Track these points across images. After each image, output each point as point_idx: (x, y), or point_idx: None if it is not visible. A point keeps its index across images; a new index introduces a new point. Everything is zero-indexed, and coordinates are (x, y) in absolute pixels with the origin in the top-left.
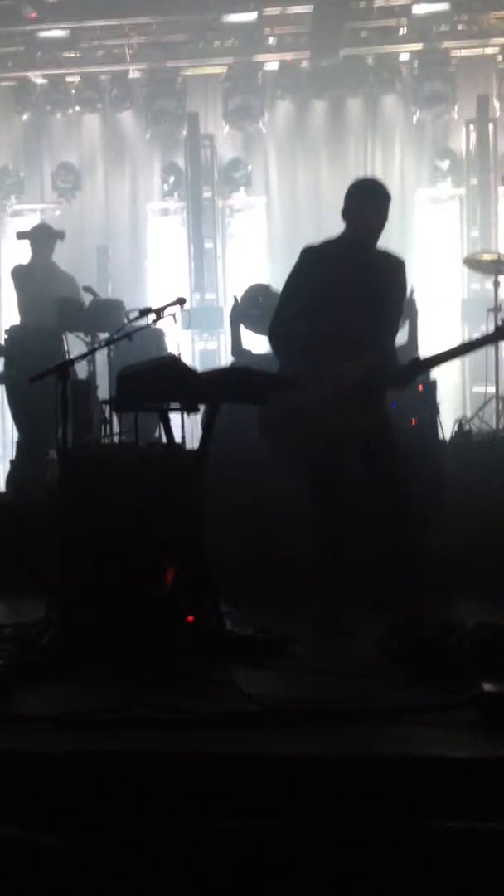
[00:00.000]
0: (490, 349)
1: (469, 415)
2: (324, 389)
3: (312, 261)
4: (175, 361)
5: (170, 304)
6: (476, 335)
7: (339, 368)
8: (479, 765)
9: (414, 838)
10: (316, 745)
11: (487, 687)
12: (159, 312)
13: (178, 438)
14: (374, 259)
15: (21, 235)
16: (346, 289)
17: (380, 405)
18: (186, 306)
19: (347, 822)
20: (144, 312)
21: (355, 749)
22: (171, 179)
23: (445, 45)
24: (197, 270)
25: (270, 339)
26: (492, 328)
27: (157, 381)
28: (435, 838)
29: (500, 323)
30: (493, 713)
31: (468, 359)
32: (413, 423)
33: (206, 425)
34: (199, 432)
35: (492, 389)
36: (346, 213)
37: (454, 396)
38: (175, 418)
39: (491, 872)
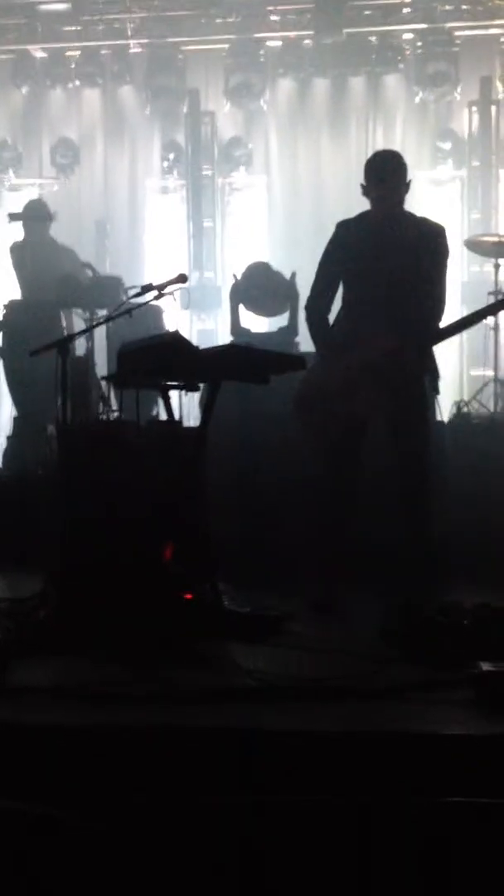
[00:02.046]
0: (489, 333)
1: (467, 398)
2: (351, 368)
3: (346, 234)
4: (177, 338)
5: (171, 281)
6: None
7: (368, 346)
8: (476, 742)
9: (412, 813)
10: (314, 720)
11: (486, 666)
12: (161, 289)
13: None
14: (407, 228)
15: (13, 217)
16: (380, 260)
17: (411, 383)
18: (186, 284)
19: (345, 797)
20: (146, 289)
21: (354, 725)
22: (171, 156)
23: (449, 25)
24: (196, 249)
25: (306, 314)
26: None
27: (159, 357)
28: (433, 813)
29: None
30: (491, 692)
31: (466, 342)
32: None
33: (207, 403)
34: (195, 411)
35: (490, 373)
36: (365, 188)
37: (452, 380)
38: (172, 396)
39: (488, 847)
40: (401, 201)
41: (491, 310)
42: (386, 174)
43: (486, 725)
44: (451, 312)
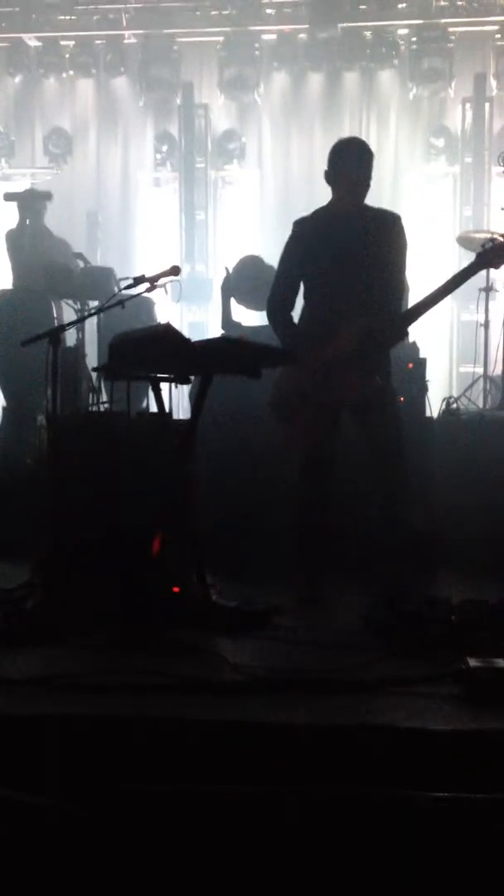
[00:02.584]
0: (479, 330)
1: (456, 394)
2: (320, 360)
3: (303, 231)
4: (170, 330)
5: (164, 273)
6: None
7: (333, 338)
8: (462, 737)
9: (399, 807)
10: (301, 714)
11: (472, 661)
12: (154, 281)
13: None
14: (366, 219)
15: (8, 197)
16: (338, 254)
17: (379, 370)
18: (179, 277)
19: (332, 790)
20: (139, 280)
21: (341, 719)
22: (164, 148)
23: (444, 21)
24: (188, 241)
25: (268, 315)
26: (482, 308)
27: (151, 349)
28: (420, 807)
29: (481, 248)
30: (478, 687)
31: (456, 339)
32: (401, 400)
33: (199, 396)
34: (185, 403)
35: (479, 370)
36: (329, 176)
37: (441, 376)
38: (162, 389)
39: (473, 842)
40: (362, 191)
41: (469, 271)
42: (356, 164)
43: (473, 720)
44: (442, 307)
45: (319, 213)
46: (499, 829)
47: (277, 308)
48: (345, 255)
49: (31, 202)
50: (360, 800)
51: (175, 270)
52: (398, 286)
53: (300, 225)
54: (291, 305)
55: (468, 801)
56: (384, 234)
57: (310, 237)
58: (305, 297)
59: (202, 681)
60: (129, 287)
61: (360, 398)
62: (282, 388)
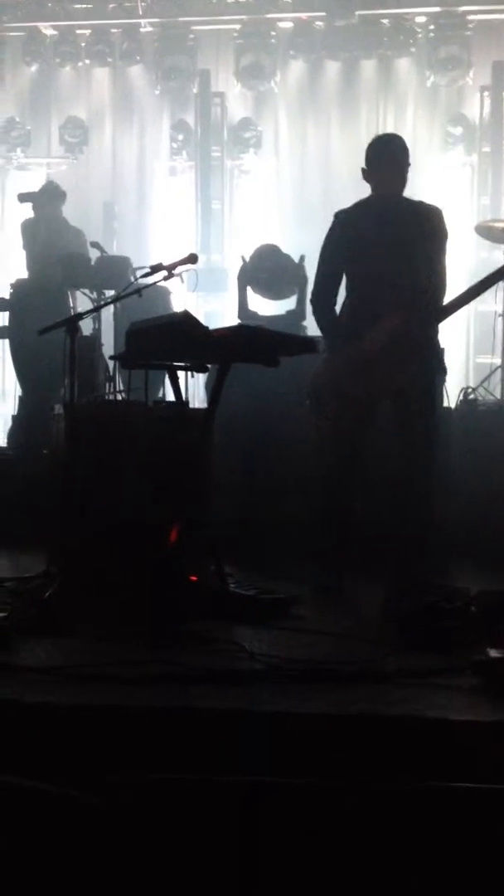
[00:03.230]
0: (497, 320)
1: (473, 385)
2: (358, 353)
3: (344, 224)
4: (187, 318)
5: (182, 261)
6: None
7: (372, 331)
8: (482, 729)
9: (419, 797)
10: (320, 704)
11: (493, 653)
12: (171, 269)
13: None
14: (405, 211)
15: (22, 198)
16: (378, 246)
17: (415, 360)
18: (196, 265)
19: (351, 780)
20: (156, 269)
21: (359, 710)
22: (180, 137)
23: (462, 8)
24: (203, 231)
25: (312, 306)
26: (500, 298)
27: (169, 337)
28: (440, 798)
29: None
30: (498, 678)
31: (473, 329)
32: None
33: (217, 384)
34: (200, 393)
35: (497, 360)
36: (367, 172)
37: (458, 366)
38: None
39: (493, 833)
40: (402, 186)
41: (494, 279)
42: (391, 159)
43: (493, 712)
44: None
45: (360, 206)
46: None
47: (321, 299)
48: (385, 248)
49: (47, 201)
50: (379, 791)
51: (192, 258)
52: (439, 279)
53: (341, 217)
54: (334, 295)
55: (489, 793)
56: (424, 226)
57: (350, 229)
58: (347, 289)
59: (220, 670)
60: (146, 275)
61: (397, 392)
62: (320, 375)
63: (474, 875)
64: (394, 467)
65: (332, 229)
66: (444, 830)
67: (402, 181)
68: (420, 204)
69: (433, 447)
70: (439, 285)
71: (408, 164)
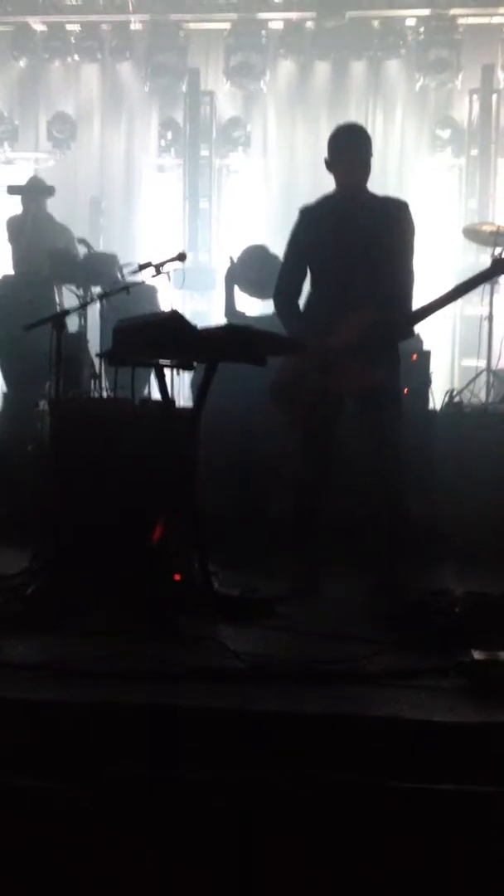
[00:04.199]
0: (483, 323)
1: (458, 387)
2: (325, 349)
3: (309, 219)
4: (176, 317)
5: (171, 259)
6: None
7: (338, 327)
8: (466, 730)
9: (400, 798)
10: (304, 703)
11: (477, 654)
12: (159, 267)
13: None
14: (370, 206)
15: (12, 190)
16: (343, 242)
17: (382, 358)
18: (183, 265)
19: (334, 780)
20: (144, 266)
21: (343, 709)
22: (169, 135)
23: (452, 12)
24: (191, 230)
25: (275, 302)
26: (486, 301)
27: (156, 335)
28: (424, 799)
29: (496, 256)
30: (482, 680)
31: (459, 332)
32: (405, 392)
33: (203, 383)
34: (185, 391)
35: (482, 363)
36: (329, 164)
37: (444, 369)
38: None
39: (477, 834)
40: (364, 175)
41: (482, 278)
42: (353, 148)
43: (477, 713)
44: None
45: (324, 202)
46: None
47: (283, 295)
48: (349, 244)
49: (35, 195)
50: (361, 790)
51: (182, 256)
52: (405, 274)
53: (305, 213)
54: (298, 293)
55: (472, 794)
56: (390, 221)
57: (315, 225)
58: (311, 285)
59: (204, 668)
60: (135, 273)
61: (363, 389)
62: (284, 373)
63: (456, 873)
64: (364, 466)
65: (296, 226)
66: (429, 831)
67: (365, 171)
68: (385, 199)
69: (399, 445)
70: (406, 281)
71: (370, 154)
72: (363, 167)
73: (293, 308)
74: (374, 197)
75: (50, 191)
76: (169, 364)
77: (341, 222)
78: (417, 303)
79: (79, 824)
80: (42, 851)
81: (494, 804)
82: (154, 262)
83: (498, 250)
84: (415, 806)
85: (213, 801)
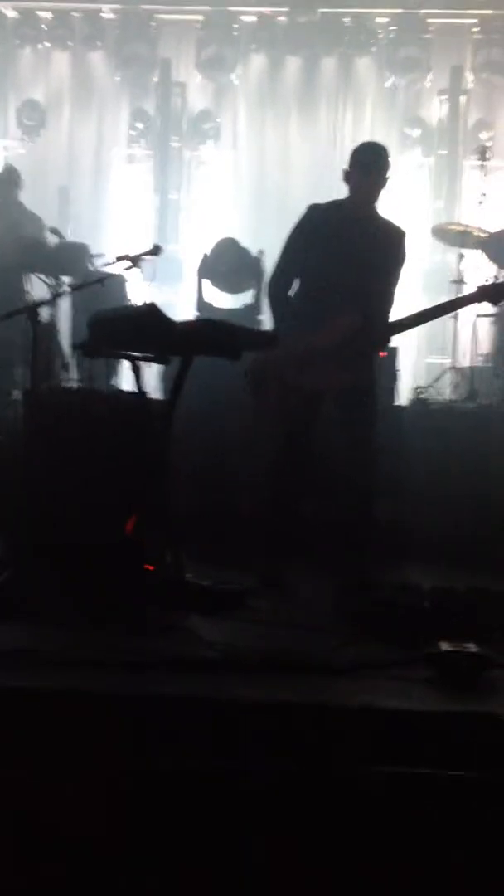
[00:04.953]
0: (448, 321)
1: (424, 385)
2: (306, 346)
3: (315, 217)
4: (153, 310)
5: (146, 252)
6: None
7: (322, 326)
8: (434, 719)
9: (375, 783)
10: (277, 692)
11: (444, 646)
12: (135, 260)
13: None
14: (374, 224)
15: None
16: (341, 249)
17: (361, 364)
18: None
19: (308, 768)
20: (120, 259)
21: (315, 699)
22: (139, 126)
23: (423, 11)
24: (160, 220)
25: (269, 292)
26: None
27: (134, 328)
28: (393, 784)
29: (484, 282)
30: (449, 670)
31: (424, 329)
32: None
33: (178, 377)
34: (154, 382)
35: (447, 361)
36: (348, 176)
37: (409, 366)
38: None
39: (446, 818)
40: (377, 196)
41: (466, 301)
42: (374, 167)
43: (445, 703)
44: (413, 298)
45: (333, 206)
46: (468, 806)
47: (277, 286)
48: (346, 253)
49: (4, 185)
50: (331, 777)
51: (157, 250)
52: (388, 297)
53: (314, 210)
54: (290, 282)
55: (439, 779)
56: (387, 245)
57: (318, 227)
58: (301, 282)
59: (176, 658)
60: (107, 265)
61: (338, 389)
62: (262, 361)
63: (427, 855)
64: (336, 464)
65: (301, 221)
66: (398, 817)
67: (379, 191)
68: (388, 223)
69: (370, 443)
70: (386, 302)
71: (386, 177)
72: (378, 187)
73: (284, 299)
74: (379, 217)
75: (18, 182)
76: (144, 357)
77: (344, 230)
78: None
79: (54, 813)
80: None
81: (463, 787)
82: (129, 255)
83: (486, 279)
84: (389, 790)
85: (187, 791)
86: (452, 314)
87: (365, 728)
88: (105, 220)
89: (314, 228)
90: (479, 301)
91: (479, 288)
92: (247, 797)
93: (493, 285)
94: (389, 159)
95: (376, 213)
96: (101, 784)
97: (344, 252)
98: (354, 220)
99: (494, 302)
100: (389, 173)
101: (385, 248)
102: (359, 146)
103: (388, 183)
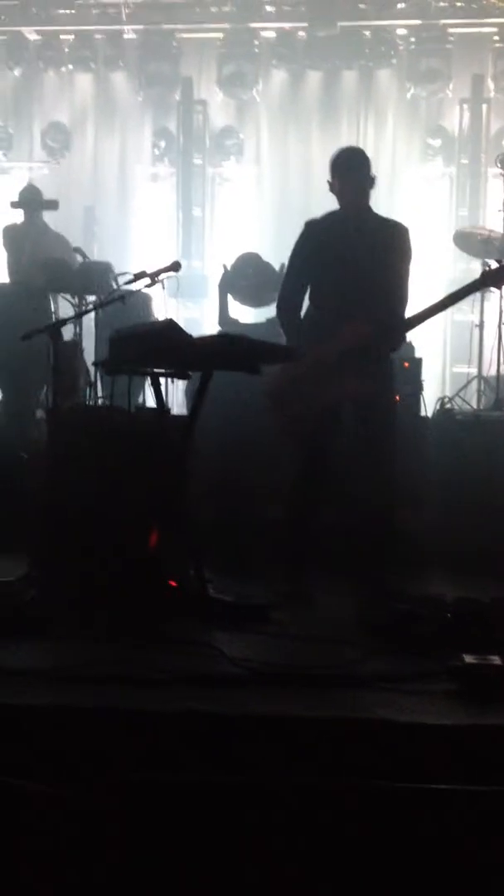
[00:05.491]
0: (474, 330)
1: (450, 394)
2: (322, 358)
3: (313, 233)
4: (171, 326)
5: (165, 269)
6: (459, 286)
7: (334, 337)
8: (458, 732)
9: (393, 798)
10: (298, 707)
11: (468, 658)
12: (154, 276)
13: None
14: (373, 225)
15: (15, 205)
16: (344, 257)
17: (377, 370)
18: (177, 274)
19: (328, 780)
20: (139, 276)
21: (337, 713)
22: (162, 144)
23: (443, 21)
24: (184, 238)
25: (277, 311)
26: (477, 309)
27: (153, 344)
28: (417, 799)
29: (484, 268)
30: (473, 683)
31: (450, 339)
32: (397, 399)
33: (199, 392)
34: (179, 398)
35: (473, 370)
36: (332, 186)
37: (435, 376)
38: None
39: (466, 833)
40: (367, 196)
41: (471, 289)
42: (351, 169)
43: (468, 716)
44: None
45: (329, 217)
46: (492, 820)
47: (286, 304)
48: (350, 259)
49: (36, 206)
50: (355, 792)
51: (176, 266)
52: (400, 294)
53: (311, 226)
54: (300, 302)
55: (463, 794)
56: (390, 242)
57: (319, 238)
58: (310, 297)
59: (199, 673)
60: (129, 282)
61: (357, 399)
62: (279, 379)
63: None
64: (356, 474)
65: (301, 238)
66: (420, 831)
67: (366, 192)
68: (388, 221)
69: (391, 454)
70: (400, 302)
71: (370, 175)
72: (364, 188)
73: (294, 315)
74: (377, 217)
75: (53, 205)
76: (164, 373)
77: (344, 238)
78: (408, 314)
79: (75, 827)
80: (41, 853)
81: (486, 803)
82: (148, 272)
83: (490, 262)
84: (408, 806)
85: (209, 806)
86: (477, 323)
87: (387, 742)
88: (130, 237)
89: (314, 242)
90: (485, 286)
91: (484, 272)
92: (269, 811)
93: (497, 269)
94: (368, 159)
95: (373, 213)
96: (122, 797)
97: (348, 257)
98: (352, 225)
99: (498, 286)
100: (373, 172)
101: (388, 246)
102: (335, 154)
103: (374, 182)
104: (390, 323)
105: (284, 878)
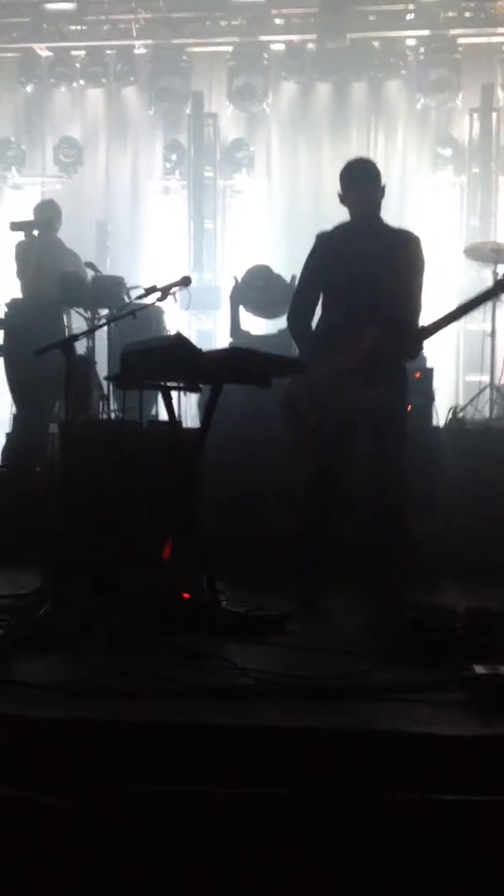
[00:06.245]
0: (486, 339)
1: (462, 403)
2: (335, 368)
3: (325, 245)
4: (181, 340)
5: (175, 283)
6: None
7: (347, 348)
8: (468, 743)
9: (405, 810)
10: (309, 718)
11: (479, 669)
12: (165, 291)
13: None
14: (384, 235)
15: (15, 227)
16: (356, 268)
17: (389, 378)
18: (188, 289)
19: (340, 792)
20: (150, 290)
21: (348, 724)
22: (174, 157)
23: (452, 32)
24: (196, 250)
25: (288, 322)
26: (489, 318)
27: (163, 358)
28: (426, 810)
29: (498, 277)
30: (484, 694)
31: (463, 348)
32: (408, 409)
33: (209, 405)
34: (192, 410)
35: (485, 379)
36: (343, 198)
37: (448, 385)
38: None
39: (477, 844)
40: (378, 207)
41: (485, 297)
42: (362, 181)
43: (479, 727)
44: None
45: (340, 229)
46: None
47: (297, 317)
48: (362, 270)
49: (45, 222)
50: (366, 803)
51: (186, 281)
52: (414, 304)
53: (322, 238)
54: (311, 315)
55: (474, 805)
56: (402, 251)
57: (330, 250)
58: (322, 309)
59: (212, 685)
60: (140, 297)
61: (370, 409)
62: (293, 391)
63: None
64: (368, 484)
65: (312, 250)
66: (434, 842)
67: (376, 202)
68: (400, 231)
69: (403, 464)
70: (414, 310)
71: (380, 185)
72: (375, 199)
73: (307, 329)
74: (388, 227)
75: (55, 219)
76: (175, 386)
77: (356, 249)
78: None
79: (89, 839)
80: (52, 864)
81: (496, 814)
82: (159, 286)
83: (501, 270)
84: (417, 817)
85: (220, 816)
86: (489, 332)
87: (398, 753)
88: (142, 251)
89: (326, 253)
90: (499, 293)
91: (497, 280)
92: (281, 823)
93: None
94: (378, 169)
95: (384, 223)
96: (133, 809)
97: (360, 269)
98: (363, 236)
99: None
100: (383, 182)
101: (400, 256)
102: (345, 166)
103: (385, 192)
104: (405, 333)
105: (292, 889)
